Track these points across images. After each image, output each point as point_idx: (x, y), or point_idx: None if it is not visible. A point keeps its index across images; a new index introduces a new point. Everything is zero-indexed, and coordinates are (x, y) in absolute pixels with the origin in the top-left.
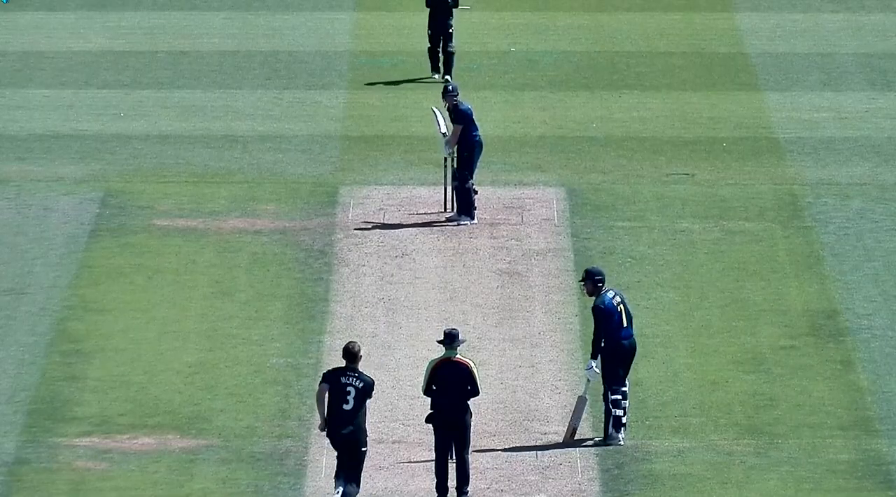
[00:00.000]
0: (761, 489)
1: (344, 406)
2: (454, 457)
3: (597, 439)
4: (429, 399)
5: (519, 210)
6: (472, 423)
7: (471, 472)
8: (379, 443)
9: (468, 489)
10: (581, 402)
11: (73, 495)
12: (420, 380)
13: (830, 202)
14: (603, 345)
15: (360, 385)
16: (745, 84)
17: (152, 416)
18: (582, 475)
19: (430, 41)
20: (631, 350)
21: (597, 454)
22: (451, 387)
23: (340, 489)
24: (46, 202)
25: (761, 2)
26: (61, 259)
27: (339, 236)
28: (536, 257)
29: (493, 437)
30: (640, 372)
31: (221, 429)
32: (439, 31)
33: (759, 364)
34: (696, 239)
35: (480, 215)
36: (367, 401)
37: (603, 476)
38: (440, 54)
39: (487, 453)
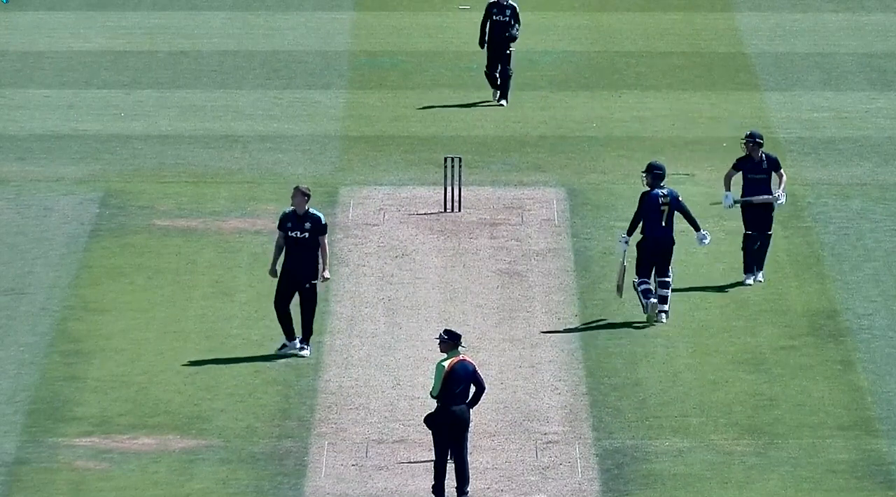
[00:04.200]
0: (761, 489)
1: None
2: (453, 457)
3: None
4: (430, 399)
5: (519, 210)
6: (472, 423)
7: (471, 472)
8: (379, 443)
9: (468, 489)
10: (622, 266)
11: (73, 495)
12: (421, 379)
13: (830, 202)
14: (641, 235)
15: (309, 225)
16: (745, 84)
17: (152, 416)
18: (582, 475)
19: (488, 61)
20: (657, 245)
21: (597, 454)
22: (462, 386)
23: (302, 346)
24: (46, 202)
25: (761, 2)
26: (61, 259)
27: (339, 236)
28: (536, 257)
29: (493, 437)
30: (640, 372)
31: (221, 429)
32: (498, 45)
33: (759, 364)
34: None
35: (481, 215)
36: (321, 237)
37: (603, 476)
38: (497, 76)
39: (487, 453)
